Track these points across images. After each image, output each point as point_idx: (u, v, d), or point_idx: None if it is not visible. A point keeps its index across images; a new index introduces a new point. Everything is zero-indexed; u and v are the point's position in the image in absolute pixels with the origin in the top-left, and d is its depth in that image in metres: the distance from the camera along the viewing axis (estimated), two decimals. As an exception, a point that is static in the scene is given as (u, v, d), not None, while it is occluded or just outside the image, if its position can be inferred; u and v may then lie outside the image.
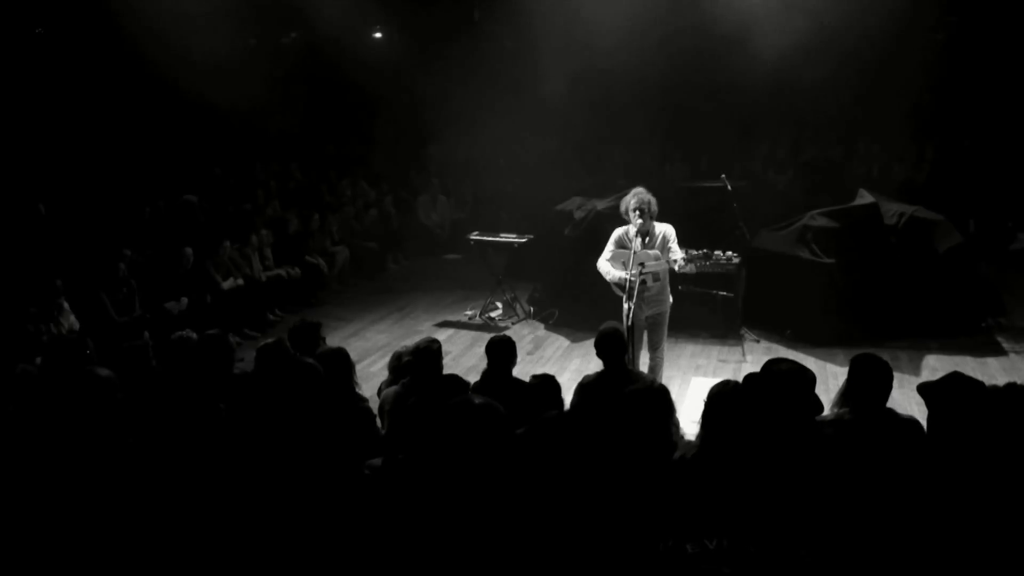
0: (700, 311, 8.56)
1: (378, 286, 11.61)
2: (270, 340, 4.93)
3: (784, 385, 3.31)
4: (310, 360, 3.65)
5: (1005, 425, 3.10)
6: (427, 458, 2.84)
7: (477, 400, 2.56)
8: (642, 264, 6.12)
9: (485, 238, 9.82)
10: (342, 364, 4.19)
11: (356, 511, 3.11)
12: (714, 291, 8.54)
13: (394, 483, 3.10)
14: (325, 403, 3.46)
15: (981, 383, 3.20)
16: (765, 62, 10.99)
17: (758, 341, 8.36)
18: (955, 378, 3.21)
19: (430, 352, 4.38)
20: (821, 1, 10.57)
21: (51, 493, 3.23)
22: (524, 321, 9.55)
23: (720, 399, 3.01)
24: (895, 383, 3.70)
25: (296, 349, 4.95)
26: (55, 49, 10.47)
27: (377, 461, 3.49)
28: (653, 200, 6.37)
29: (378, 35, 14.97)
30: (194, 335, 5.18)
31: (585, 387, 4.55)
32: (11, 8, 9.89)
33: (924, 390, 3.26)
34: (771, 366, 3.47)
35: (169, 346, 5.06)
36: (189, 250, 8.90)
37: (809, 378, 3.44)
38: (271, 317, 9.81)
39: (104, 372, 3.44)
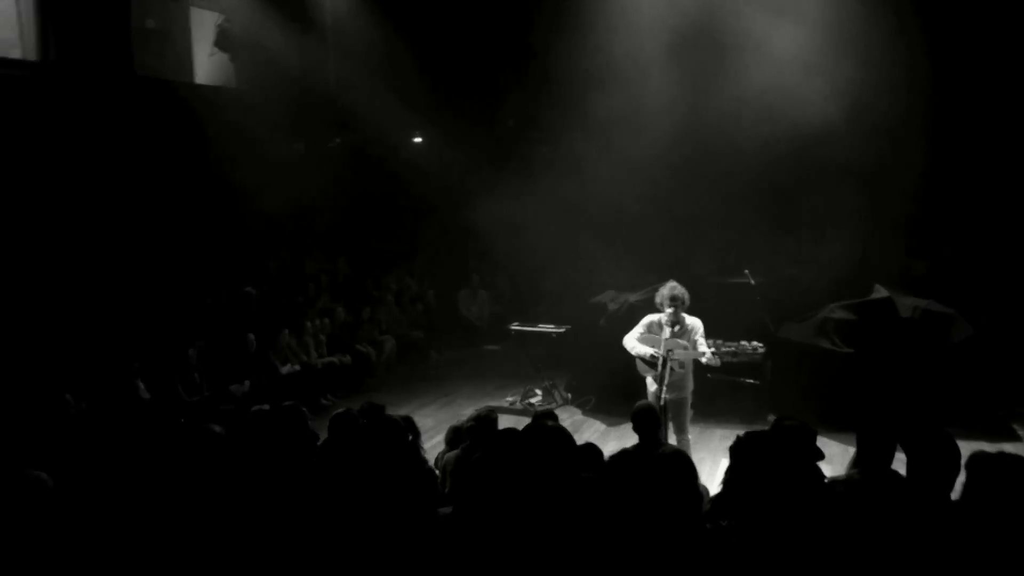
0: (729, 398, 9.10)
1: (422, 374, 12.27)
2: (340, 410, 5.56)
3: (791, 436, 3.88)
4: (396, 416, 4.27)
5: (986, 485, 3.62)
6: (498, 496, 3.42)
7: (549, 423, 3.15)
8: (670, 351, 6.72)
9: (525, 328, 10.49)
10: (412, 427, 4.80)
11: (434, 551, 3.67)
12: (741, 379, 9.07)
13: (467, 524, 3.66)
14: (404, 455, 4.06)
15: (950, 434, 3.74)
16: (785, 158, 11.69)
17: (784, 426, 8.82)
18: (936, 430, 3.76)
19: (489, 419, 4.98)
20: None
21: (167, 534, 3.84)
22: (562, 407, 10.09)
23: (739, 447, 3.60)
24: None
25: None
26: (145, 157, 11.41)
27: (447, 509, 4.05)
28: (686, 293, 6.99)
29: (417, 140, 15.93)
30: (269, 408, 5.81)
31: (623, 454, 5.08)
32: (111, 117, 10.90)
33: (905, 440, 3.81)
34: (780, 422, 4.06)
35: (251, 417, 5.68)
36: (252, 336, 9.63)
37: (810, 432, 4.02)
38: (323, 402, 10.43)
39: (218, 428, 4.07)
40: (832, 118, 11.16)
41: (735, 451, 3.66)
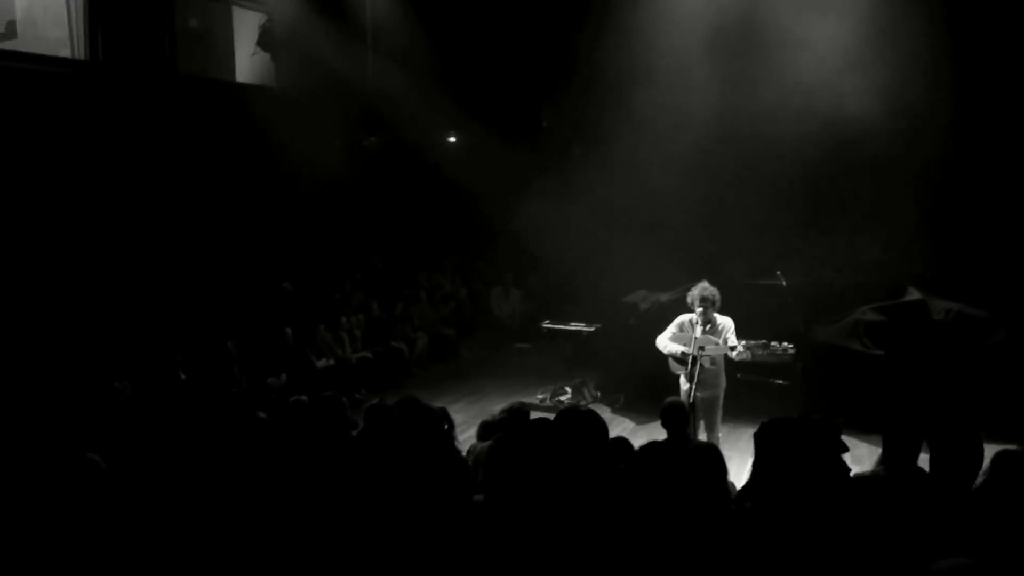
0: (759, 399, 9.15)
1: (453, 371, 12.45)
2: (375, 401, 5.72)
3: (816, 426, 3.98)
4: (437, 407, 4.44)
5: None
6: (530, 483, 3.55)
7: (583, 407, 3.29)
8: (702, 348, 6.82)
9: (557, 326, 10.64)
10: (447, 418, 4.96)
11: (468, 536, 3.82)
12: (771, 380, 9.13)
13: (500, 511, 3.79)
14: (439, 443, 4.22)
15: (977, 434, 3.82)
16: (822, 157, 11.64)
17: (813, 427, 8.85)
18: (961, 429, 3.85)
19: (521, 412, 5.12)
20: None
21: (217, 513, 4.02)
22: (592, 404, 10.19)
23: (764, 432, 3.74)
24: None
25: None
26: (187, 154, 11.68)
27: (480, 496, 4.19)
28: (717, 293, 7.10)
29: (452, 139, 16.11)
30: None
31: (652, 446, 5.19)
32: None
33: (930, 437, 3.90)
34: (806, 416, 4.17)
35: (290, 406, 5.87)
36: (289, 331, 9.86)
37: (836, 426, 4.13)
38: (357, 396, 10.61)
39: (263, 415, 4.26)
40: (872, 117, 11.10)
41: (760, 436, 3.79)
